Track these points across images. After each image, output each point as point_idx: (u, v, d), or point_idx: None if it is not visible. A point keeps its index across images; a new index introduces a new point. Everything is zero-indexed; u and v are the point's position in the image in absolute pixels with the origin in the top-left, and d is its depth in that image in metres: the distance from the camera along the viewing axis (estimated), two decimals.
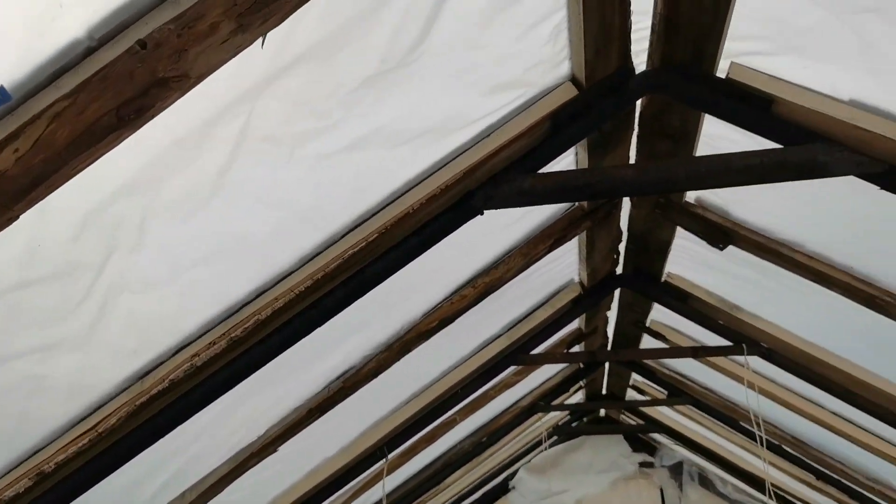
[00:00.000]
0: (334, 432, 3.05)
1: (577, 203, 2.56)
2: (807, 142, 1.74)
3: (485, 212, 1.92)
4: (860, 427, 3.40)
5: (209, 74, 1.10)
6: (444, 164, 1.81)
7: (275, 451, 2.59)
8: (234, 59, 1.11)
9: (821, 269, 2.33)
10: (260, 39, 1.11)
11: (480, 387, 3.64)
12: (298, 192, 1.61)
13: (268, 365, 1.89)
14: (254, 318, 1.77)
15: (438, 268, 2.40)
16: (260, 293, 1.80)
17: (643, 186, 1.84)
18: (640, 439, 7.76)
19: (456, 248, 2.29)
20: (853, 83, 1.59)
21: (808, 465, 4.41)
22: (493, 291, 2.63)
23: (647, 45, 1.78)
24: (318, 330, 1.92)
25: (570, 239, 2.66)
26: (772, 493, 3.32)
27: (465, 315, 2.72)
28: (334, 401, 2.59)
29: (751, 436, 3.65)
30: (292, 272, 1.80)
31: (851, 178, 1.75)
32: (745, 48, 1.68)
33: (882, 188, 1.72)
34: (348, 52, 1.35)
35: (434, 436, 3.95)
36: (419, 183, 1.80)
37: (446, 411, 3.61)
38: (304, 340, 1.92)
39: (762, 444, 3.25)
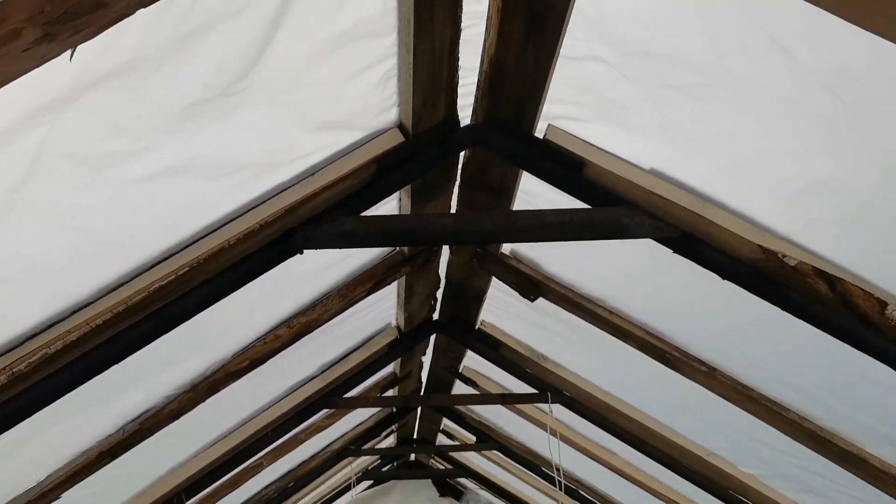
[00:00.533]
0: (128, 477, 2.83)
1: (397, 248, 2.58)
2: (612, 204, 1.87)
3: (305, 251, 1.88)
4: (648, 474, 3.64)
5: (5, 84, 1.00)
6: (265, 200, 1.76)
7: (57, 498, 2.35)
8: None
9: (620, 323, 2.49)
10: (69, 52, 1.03)
11: (291, 429, 3.54)
12: (103, 218, 1.50)
13: (56, 402, 1.73)
14: (41, 351, 1.61)
15: (254, 306, 2.32)
16: (50, 325, 1.64)
17: (462, 236, 1.89)
18: (448, 484, 7.85)
19: (273, 286, 2.22)
20: (654, 154, 1.73)
21: None
22: (309, 332, 2.58)
23: (472, 100, 1.85)
24: (118, 366, 1.79)
25: (389, 283, 2.67)
26: None
27: (279, 355, 2.64)
28: (129, 443, 2.41)
29: (552, 481, 3.79)
30: (90, 303, 1.67)
31: (650, 241, 1.90)
32: (562, 112, 1.79)
33: (675, 252, 1.87)
34: (168, 75, 1.29)
35: (238, 480, 3.77)
36: (237, 217, 1.74)
37: (253, 454, 3.47)
38: (100, 377, 1.78)
39: (561, 489, 3.39)
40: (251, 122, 1.53)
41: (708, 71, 1.42)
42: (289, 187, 1.78)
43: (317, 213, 1.84)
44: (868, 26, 1.08)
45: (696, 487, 3.31)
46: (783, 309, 1.78)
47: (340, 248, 1.88)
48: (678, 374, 2.54)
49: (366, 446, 5.33)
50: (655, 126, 1.64)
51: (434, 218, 1.91)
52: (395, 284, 2.96)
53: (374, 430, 5.16)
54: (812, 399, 2.27)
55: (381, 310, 3.27)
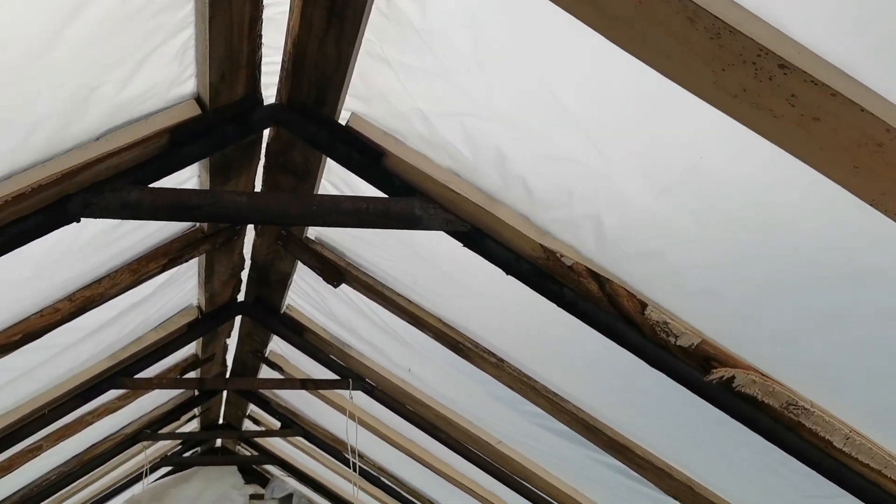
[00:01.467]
0: None
1: (197, 225, 2.50)
2: (409, 195, 1.91)
3: (84, 220, 1.77)
4: (443, 461, 3.76)
5: None
6: (41, 163, 1.64)
7: None
8: None
9: (417, 312, 2.55)
10: None
11: (75, 409, 3.33)
12: None
13: None
14: None
15: (30, 276, 2.16)
16: None
17: (254, 216, 1.86)
18: (255, 471, 7.70)
19: (53, 256, 2.08)
20: (450, 153, 1.79)
21: (403, 496, 4.76)
22: (93, 306, 2.43)
23: (277, 79, 1.82)
24: None
25: (186, 260, 2.57)
26: None
27: (60, 330, 2.47)
28: None
29: (354, 467, 3.82)
30: None
31: (442, 234, 1.96)
32: (362, 104, 1.81)
33: (464, 245, 1.95)
34: None
35: (12, 465, 3.50)
36: (5, 179, 1.61)
37: (29, 436, 3.23)
38: None
39: (356, 470, 3.43)
40: (32, 87, 1.42)
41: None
42: (68, 151, 1.67)
43: (99, 181, 1.74)
44: None
45: (485, 473, 3.46)
46: (558, 305, 1.90)
47: (123, 218, 1.79)
48: (468, 363, 2.65)
49: (164, 430, 5.11)
50: (449, 128, 1.70)
51: (227, 195, 1.87)
52: (195, 263, 2.86)
53: (173, 414, 4.96)
54: (585, 392, 2.45)
55: (183, 289, 3.15)
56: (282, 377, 3.97)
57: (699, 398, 1.91)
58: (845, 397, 1.76)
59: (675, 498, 2.61)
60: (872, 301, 1.45)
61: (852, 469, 1.82)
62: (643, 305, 1.81)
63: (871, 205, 1.17)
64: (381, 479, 4.67)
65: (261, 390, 4.79)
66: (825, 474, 1.83)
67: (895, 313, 1.45)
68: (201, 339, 3.68)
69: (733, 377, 1.79)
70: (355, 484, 3.53)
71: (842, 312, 1.53)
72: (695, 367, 1.83)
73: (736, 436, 2.01)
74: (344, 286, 2.75)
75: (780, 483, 2.19)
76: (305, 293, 3.18)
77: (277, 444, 6.18)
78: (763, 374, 1.79)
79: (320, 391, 3.74)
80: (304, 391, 3.94)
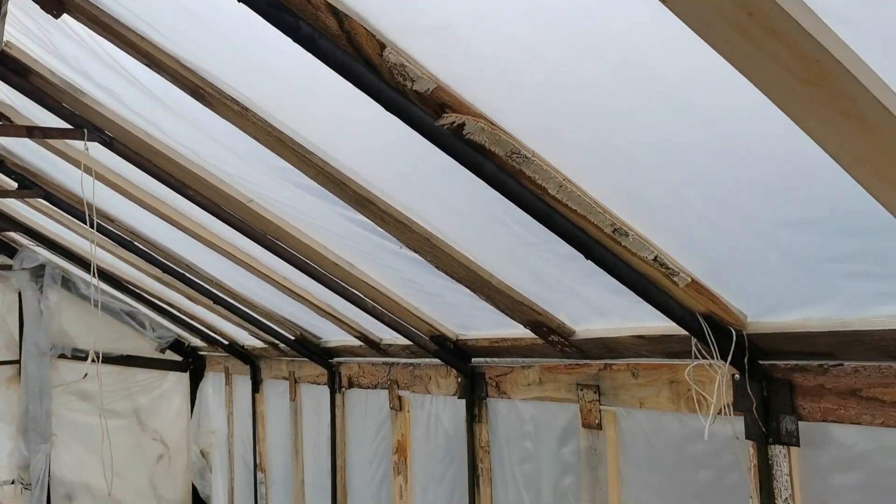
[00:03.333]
0: None
1: None
2: None
3: None
4: (195, 220, 3.67)
5: None
6: None
7: None
8: None
9: (153, 52, 2.33)
10: None
11: None
12: None
13: None
14: None
15: None
16: None
17: None
18: (1, 242, 7.16)
19: None
20: None
21: (158, 260, 4.64)
22: None
23: None
24: None
25: None
26: (96, 272, 3.41)
27: None
28: None
29: (94, 227, 3.61)
30: None
31: None
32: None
33: None
34: None
35: None
36: None
37: None
38: None
39: (92, 227, 3.26)
40: None
41: None
42: None
43: None
44: None
45: (239, 234, 3.43)
46: (294, 40, 1.79)
47: None
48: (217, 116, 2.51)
49: None
50: None
51: None
52: None
53: None
54: (331, 143, 2.42)
55: None
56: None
57: (439, 150, 1.95)
58: (563, 149, 1.88)
59: (415, 251, 2.75)
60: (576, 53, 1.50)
61: (562, 214, 1.98)
62: (382, 46, 1.76)
63: None
64: (135, 243, 4.51)
65: None
66: (539, 218, 1.98)
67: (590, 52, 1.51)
68: None
69: (464, 124, 1.83)
70: (93, 241, 3.37)
71: (561, 64, 1.58)
72: (429, 112, 1.85)
73: (467, 187, 2.11)
74: (68, 18, 2.43)
75: (504, 232, 2.36)
76: (26, 27, 2.78)
77: (22, 211, 5.71)
78: (492, 123, 1.84)
79: (53, 143, 3.41)
80: (38, 146, 3.59)
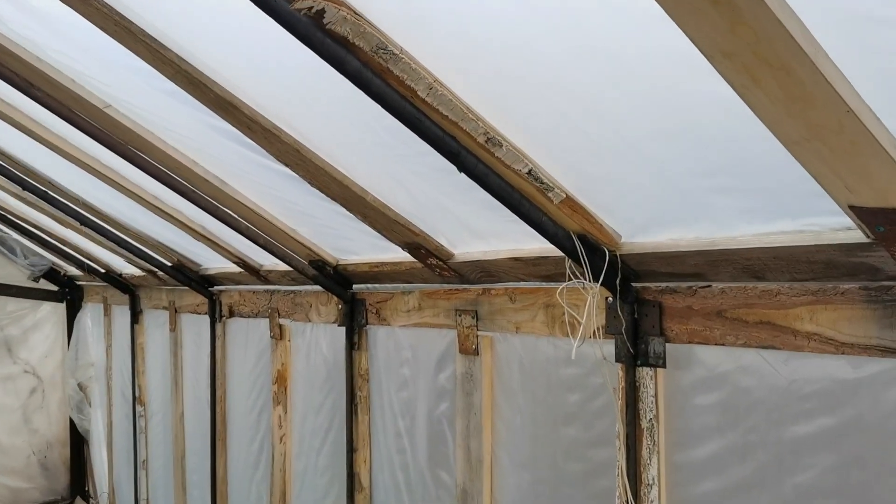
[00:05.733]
0: None
1: None
2: None
3: None
4: (49, 129, 3.36)
5: None
6: None
7: None
8: None
9: None
10: None
11: None
12: None
13: None
14: None
15: None
16: None
17: None
18: None
19: None
20: None
21: (17, 176, 4.28)
22: None
23: None
24: None
25: None
26: None
27: None
28: None
29: None
30: None
31: None
32: None
33: None
34: None
35: None
36: None
37: None
38: None
39: None
40: None
41: None
42: None
43: None
44: None
45: (99, 145, 3.15)
46: None
47: None
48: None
49: None
50: None
51: None
52: None
53: None
54: (194, 42, 2.20)
55: None
56: None
57: (301, 45, 1.77)
58: (433, 45, 1.74)
59: (285, 164, 2.58)
60: None
61: (433, 120, 1.85)
62: None
63: None
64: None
65: None
66: (408, 124, 1.85)
67: None
68: None
69: (323, 10, 1.66)
70: None
71: None
72: None
73: (336, 90, 1.94)
74: None
75: (374, 141, 2.22)
76: None
77: None
78: (356, 13, 1.68)
79: None
80: None
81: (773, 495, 1.93)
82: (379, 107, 1.83)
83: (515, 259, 2.50)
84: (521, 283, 2.63)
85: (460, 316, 2.91)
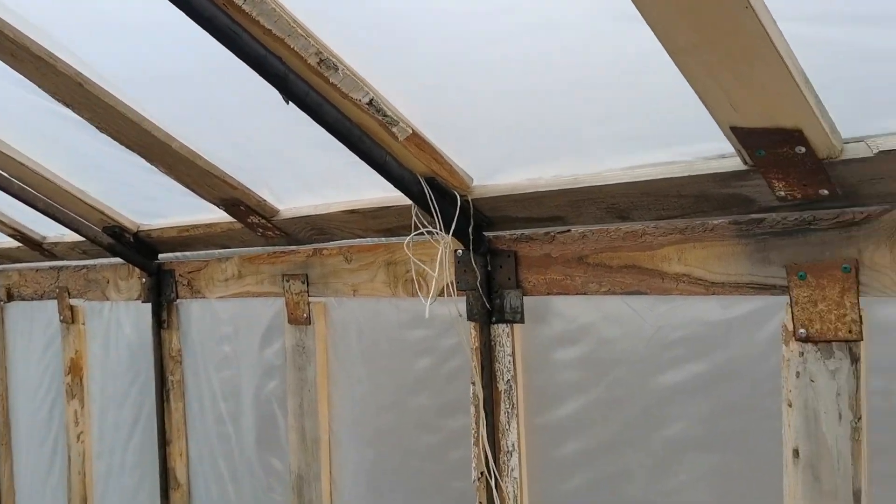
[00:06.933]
0: None
1: None
2: None
3: None
4: None
5: None
6: None
7: None
8: None
9: None
10: None
11: None
12: None
13: None
14: None
15: None
16: None
17: None
18: None
19: None
20: None
21: None
22: None
23: None
24: None
25: None
26: None
27: None
28: None
29: None
30: None
31: None
32: None
33: None
34: None
35: None
36: None
37: None
38: None
39: None
40: None
41: None
42: None
43: None
44: None
45: None
46: None
47: None
48: None
49: None
50: None
51: None
52: None
53: None
54: None
55: None
56: None
57: None
58: None
59: (65, 103, 2.11)
60: None
61: (253, 35, 1.51)
62: None
63: None
64: None
65: None
66: (222, 38, 1.49)
67: None
68: None
69: None
70: None
71: None
72: None
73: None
74: None
75: (180, 68, 1.83)
76: None
77: None
78: None
79: None
80: None
81: (642, 452, 1.81)
82: (186, 17, 1.46)
83: (352, 212, 2.20)
84: (359, 239, 2.34)
85: (288, 282, 2.58)
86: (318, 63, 1.58)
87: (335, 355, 2.51)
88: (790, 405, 1.57)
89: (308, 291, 2.53)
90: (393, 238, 2.25)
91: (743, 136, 1.38)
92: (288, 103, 1.66)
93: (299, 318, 2.55)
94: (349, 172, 2.00)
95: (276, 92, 1.61)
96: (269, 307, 2.68)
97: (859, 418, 1.50)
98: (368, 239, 2.32)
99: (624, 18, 1.20)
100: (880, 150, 1.34)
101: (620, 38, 1.34)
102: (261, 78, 1.56)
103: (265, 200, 2.39)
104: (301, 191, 2.28)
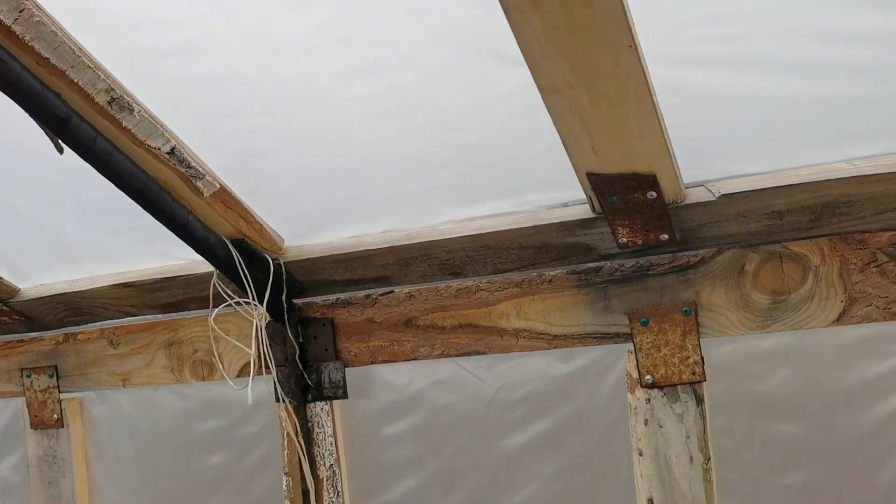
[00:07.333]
0: None
1: None
2: None
3: None
4: None
5: None
6: None
7: None
8: None
9: None
10: None
11: None
12: None
13: None
14: None
15: None
16: None
17: None
18: None
19: None
20: None
21: None
22: None
23: None
24: None
25: None
26: None
27: None
28: None
29: None
30: None
31: None
32: None
33: None
34: None
35: None
36: None
37: None
38: None
39: None
40: None
41: None
42: None
43: None
44: None
45: None
46: None
47: None
48: None
49: None
50: None
51: None
52: None
53: None
54: None
55: None
56: None
57: None
58: None
59: None
60: None
61: (22, 63, 1.19)
62: None
63: None
64: None
65: None
66: None
67: None
68: None
69: None
70: None
71: None
72: None
73: None
74: None
75: None
76: None
77: None
78: None
79: None
80: None
81: None
82: None
83: (124, 286, 1.84)
84: (130, 318, 1.97)
85: (30, 377, 2.09)
86: (109, 102, 1.29)
87: (99, 462, 2.07)
88: (640, 454, 1.55)
89: (59, 387, 2.07)
90: (175, 314, 1.93)
91: (597, 183, 1.35)
92: (62, 152, 1.34)
93: (47, 421, 2.08)
94: (118, 241, 1.67)
95: (36, 138, 1.28)
96: (5, 410, 2.16)
97: (708, 459, 1.51)
98: (143, 317, 1.96)
99: (486, 55, 1.10)
100: (722, 194, 1.39)
101: (463, 80, 1.25)
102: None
103: (0, 278, 1.93)
104: (57, 261, 1.87)
